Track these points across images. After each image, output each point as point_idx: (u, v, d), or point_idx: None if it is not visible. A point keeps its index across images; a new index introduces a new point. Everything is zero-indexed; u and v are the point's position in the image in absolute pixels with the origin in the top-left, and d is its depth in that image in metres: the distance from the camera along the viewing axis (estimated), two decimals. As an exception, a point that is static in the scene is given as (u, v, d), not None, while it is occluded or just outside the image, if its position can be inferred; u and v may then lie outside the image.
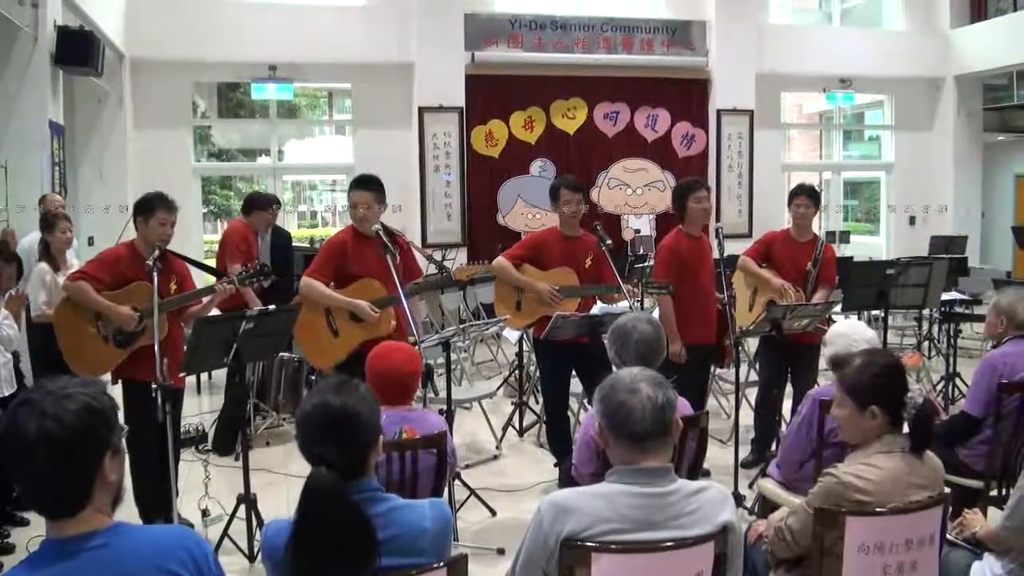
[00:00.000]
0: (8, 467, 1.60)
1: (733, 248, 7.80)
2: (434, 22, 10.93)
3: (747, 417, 5.93)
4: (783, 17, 13.50)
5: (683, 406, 3.22)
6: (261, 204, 6.89)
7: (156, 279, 4.26)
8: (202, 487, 4.80)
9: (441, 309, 8.89)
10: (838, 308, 6.32)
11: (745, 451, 5.63)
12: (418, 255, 5.40)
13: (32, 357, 5.78)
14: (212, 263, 6.95)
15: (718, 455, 5.73)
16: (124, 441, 1.75)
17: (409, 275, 4.93)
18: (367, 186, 4.90)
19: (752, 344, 6.99)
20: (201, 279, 5.52)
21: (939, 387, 7.23)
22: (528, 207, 11.48)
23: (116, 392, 4.46)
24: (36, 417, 1.59)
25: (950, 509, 2.72)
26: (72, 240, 5.95)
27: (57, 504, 1.63)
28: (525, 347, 6.89)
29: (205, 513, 4.71)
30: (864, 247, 14.02)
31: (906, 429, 2.65)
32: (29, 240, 6.19)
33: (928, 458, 2.67)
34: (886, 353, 2.77)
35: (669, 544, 2.14)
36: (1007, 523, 2.83)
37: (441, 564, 2.11)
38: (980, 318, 7.23)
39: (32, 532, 4.59)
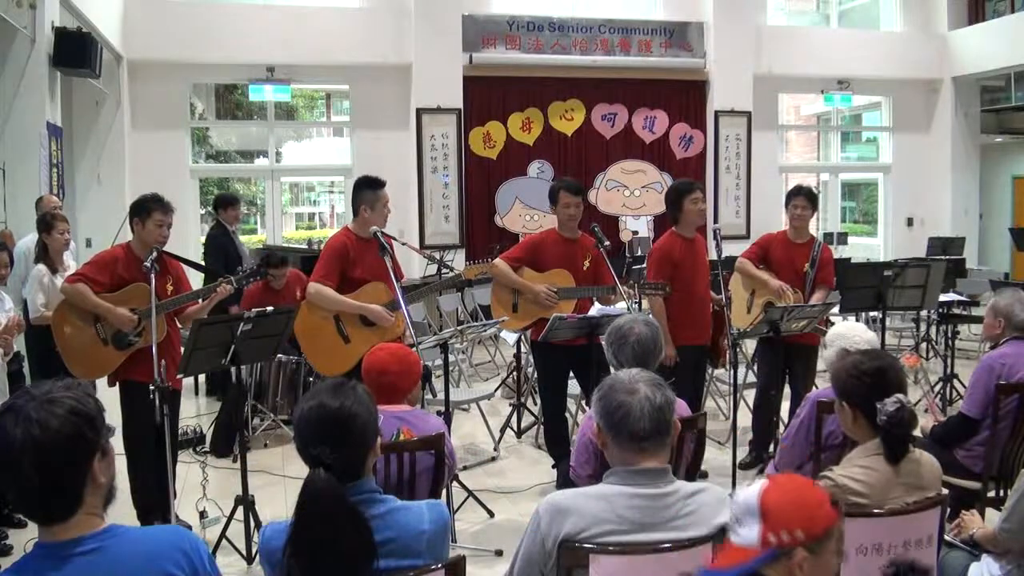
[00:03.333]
0: None
1: (731, 249, 7.84)
2: (432, 23, 10.93)
3: (745, 418, 5.94)
4: (781, 18, 13.52)
5: (681, 407, 3.22)
6: (227, 202, 7.97)
7: (154, 280, 4.26)
8: (200, 489, 4.79)
9: (439, 310, 8.89)
10: (836, 310, 6.33)
11: (743, 452, 5.64)
12: (419, 256, 5.40)
13: (31, 360, 5.78)
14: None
15: (716, 456, 5.73)
16: (121, 441, 1.74)
17: (398, 275, 4.92)
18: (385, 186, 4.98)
19: (750, 345, 7.00)
20: (197, 281, 5.51)
21: (937, 388, 7.23)
22: (526, 208, 11.48)
23: (113, 394, 4.47)
24: (21, 424, 1.57)
25: (948, 510, 2.72)
26: (69, 241, 5.95)
27: (47, 511, 1.62)
28: (523, 348, 6.89)
29: (203, 515, 4.70)
30: (862, 248, 14.04)
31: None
32: (26, 242, 6.19)
33: (924, 459, 2.67)
34: (883, 357, 2.76)
35: (667, 546, 2.14)
36: (1005, 525, 2.83)
37: (439, 566, 2.11)
38: (978, 319, 7.24)
39: (30, 534, 4.58)
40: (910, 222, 13.62)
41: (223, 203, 7.95)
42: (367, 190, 4.90)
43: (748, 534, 1.74)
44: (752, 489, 1.77)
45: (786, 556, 1.71)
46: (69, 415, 1.60)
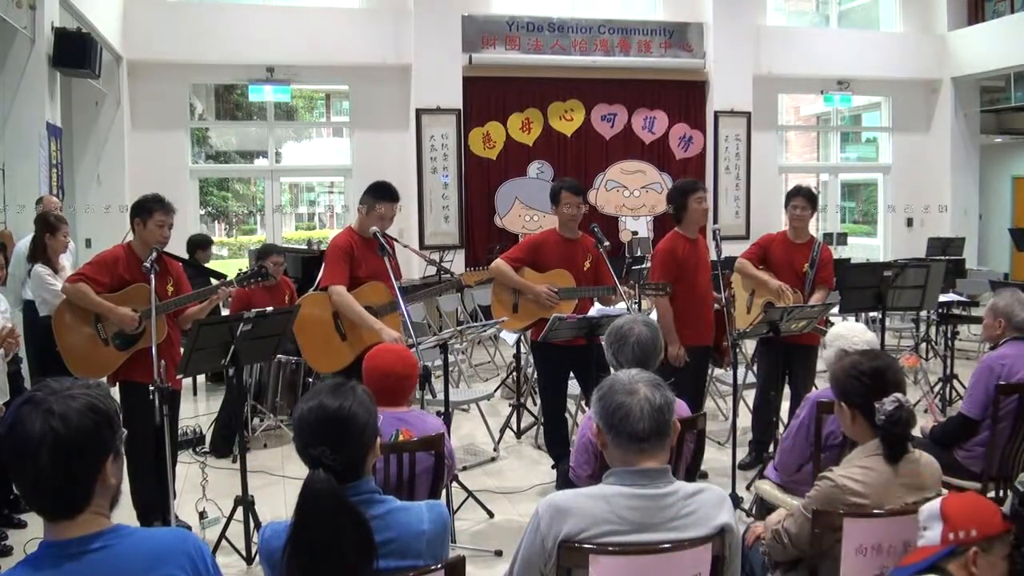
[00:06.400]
0: (10, 466, 1.60)
1: (731, 250, 7.84)
2: (431, 24, 10.93)
3: (745, 419, 5.94)
4: (780, 19, 13.51)
5: (681, 408, 3.22)
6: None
7: (153, 281, 4.26)
8: (200, 489, 4.79)
9: (439, 311, 8.89)
10: (836, 310, 6.33)
11: (743, 453, 5.64)
12: (419, 258, 5.40)
13: (31, 361, 5.78)
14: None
15: (716, 457, 5.73)
16: (123, 444, 1.74)
17: (396, 274, 4.92)
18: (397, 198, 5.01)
19: (750, 346, 7.00)
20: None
21: (936, 389, 7.23)
22: (526, 209, 11.49)
23: (113, 394, 4.47)
24: (42, 415, 1.58)
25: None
26: (68, 244, 5.96)
27: (57, 505, 1.62)
28: (523, 349, 6.89)
29: (203, 515, 4.71)
30: (862, 249, 14.04)
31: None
32: (26, 242, 6.18)
33: (924, 460, 2.67)
34: (881, 357, 2.76)
35: (667, 546, 2.14)
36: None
37: (439, 566, 2.11)
38: (978, 320, 7.24)
39: (30, 534, 4.59)
40: (910, 222, 13.62)
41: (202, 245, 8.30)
42: (370, 195, 4.92)
43: (932, 535, 2.16)
44: (935, 500, 2.22)
45: (962, 552, 2.10)
46: (88, 411, 1.62)
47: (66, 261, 5.91)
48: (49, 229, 5.69)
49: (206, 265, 8.03)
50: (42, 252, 5.67)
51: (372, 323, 4.76)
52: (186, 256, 7.70)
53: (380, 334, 4.71)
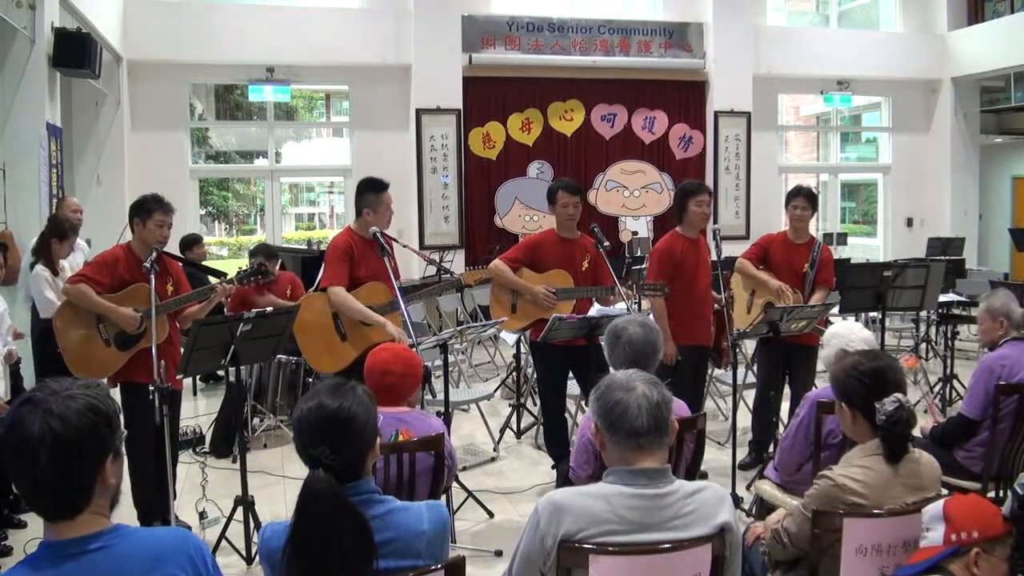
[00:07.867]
0: (10, 466, 1.60)
1: (731, 250, 7.84)
2: (431, 24, 10.93)
3: (745, 419, 5.94)
4: (780, 19, 13.50)
5: (681, 408, 3.22)
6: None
7: (153, 281, 4.26)
8: (200, 489, 4.80)
9: (439, 311, 8.89)
10: (835, 310, 6.33)
11: (743, 453, 5.64)
12: (419, 258, 5.40)
13: (35, 361, 5.79)
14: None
15: (716, 457, 5.73)
16: (123, 444, 1.74)
17: (396, 274, 4.92)
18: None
19: (750, 346, 7.00)
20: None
21: (936, 389, 7.23)
22: (526, 209, 11.48)
23: (114, 394, 4.47)
24: (40, 416, 1.58)
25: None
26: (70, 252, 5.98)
27: (57, 505, 1.62)
28: (523, 349, 6.89)
29: (203, 515, 4.71)
30: (861, 249, 14.04)
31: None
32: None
33: (924, 460, 2.67)
34: (882, 358, 2.77)
35: (667, 546, 2.14)
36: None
37: (439, 566, 2.11)
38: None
39: (29, 534, 4.59)
40: (910, 222, 13.62)
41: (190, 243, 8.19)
42: (370, 193, 4.90)
43: (935, 536, 2.23)
44: (938, 502, 2.28)
45: (964, 553, 2.17)
46: (87, 411, 1.62)
47: (66, 263, 5.91)
48: (59, 235, 5.72)
49: (204, 263, 8.04)
50: (45, 252, 5.68)
51: (374, 318, 4.76)
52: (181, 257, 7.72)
53: (384, 328, 4.71)
